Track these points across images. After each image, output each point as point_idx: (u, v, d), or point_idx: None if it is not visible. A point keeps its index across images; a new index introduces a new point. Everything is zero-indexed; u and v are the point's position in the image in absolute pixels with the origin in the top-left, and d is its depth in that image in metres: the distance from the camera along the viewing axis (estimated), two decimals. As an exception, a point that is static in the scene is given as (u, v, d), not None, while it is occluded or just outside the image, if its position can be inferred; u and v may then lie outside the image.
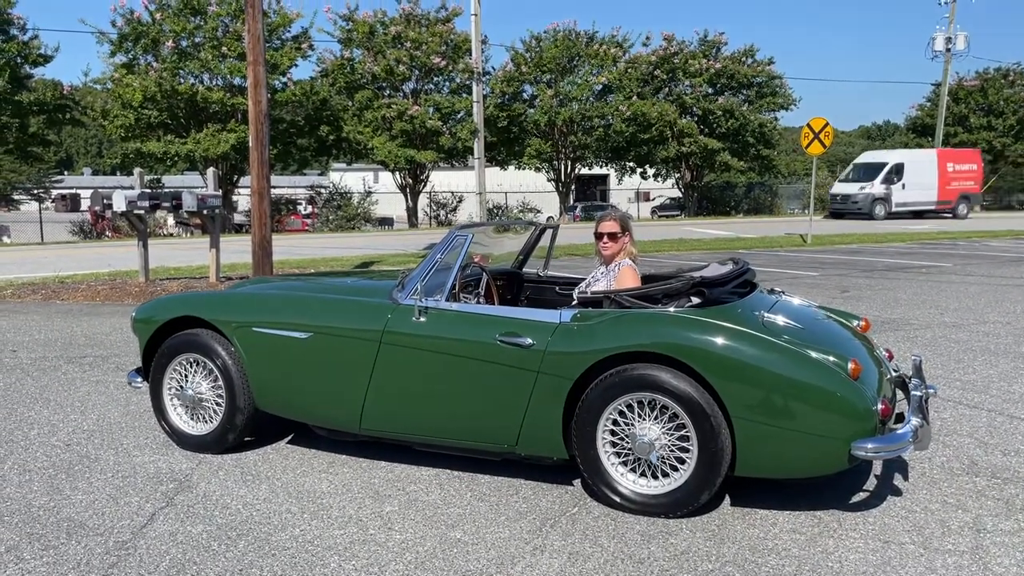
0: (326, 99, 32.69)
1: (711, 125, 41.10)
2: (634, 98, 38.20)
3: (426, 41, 33.31)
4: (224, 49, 29.75)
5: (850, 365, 3.79)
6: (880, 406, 3.76)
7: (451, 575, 3.39)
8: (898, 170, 34.14)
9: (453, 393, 4.33)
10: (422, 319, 4.39)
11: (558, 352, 4.06)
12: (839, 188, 35.78)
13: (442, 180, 43.14)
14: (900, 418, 4.11)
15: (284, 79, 31.12)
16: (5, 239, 24.45)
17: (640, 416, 3.96)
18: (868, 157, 36.84)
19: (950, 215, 34.86)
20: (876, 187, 34.00)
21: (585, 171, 46.31)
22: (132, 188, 12.27)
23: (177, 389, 5.00)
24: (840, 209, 34.66)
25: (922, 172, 34.33)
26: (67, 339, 8.72)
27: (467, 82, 33.58)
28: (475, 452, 4.45)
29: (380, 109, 33.18)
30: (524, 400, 4.14)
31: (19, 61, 30.31)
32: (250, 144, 11.59)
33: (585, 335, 4.05)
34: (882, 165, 34.48)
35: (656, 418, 3.93)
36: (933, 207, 34.78)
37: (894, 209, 34.12)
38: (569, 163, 41.29)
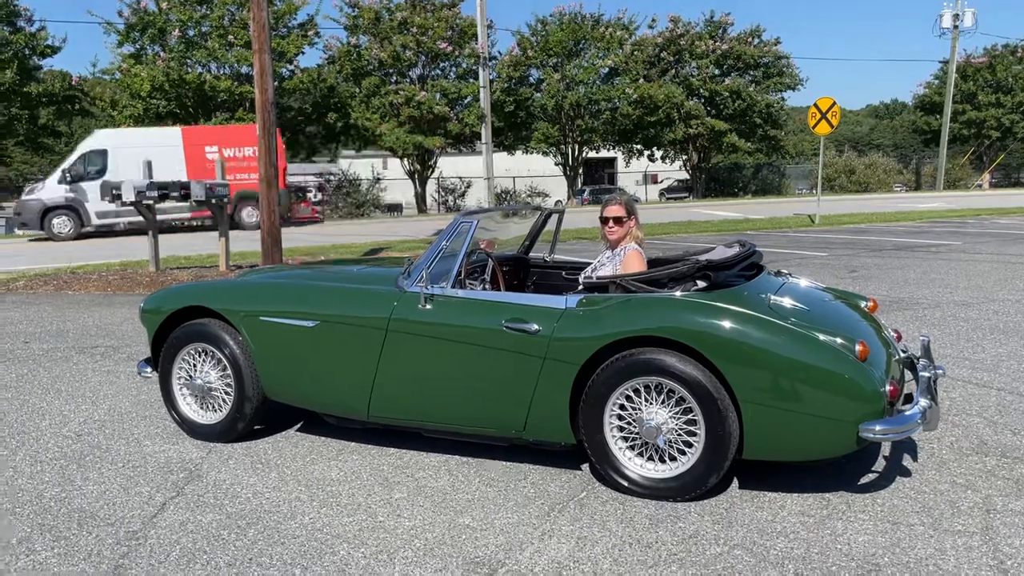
0: (333, 86, 32.66)
1: (718, 106, 40.90)
2: (640, 81, 38.02)
3: (432, 26, 33.20)
4: (231, 38, 29.75)
5: (858, 347, 3.78)
6: (888, 387, 3.75)
7: (460, 561, 3.40)
8: (98, 161, 22.34)
9: (460, 380, 4.33)
10: (428, 306, 4.39)
11: (564, 338, 4.06)
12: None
13: (450, 166, 43.09)
14: (909, 399, 4.10)
15: (291, 67, 31.09)
16: (17, 230, 24.48)
17: (647, 400, 3.95)
18: (90, 143, 23.06)
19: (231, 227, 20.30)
20: (50, 190, 22.20)
21: (592, 155, 46.15)
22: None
23: (186, 379, 5.02)
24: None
25: (151, 163, 20.50)
26: (78, 330, 8.76)
27: (474, 67, 33.52)
28: (483, 438, 4.45)
29: (387, 95, 33.12)
30: (531, 386, 4.14)
31: (27, 53, 30.47)
32: (257, 133, 11.60)
33: (591, 320, 4.05)
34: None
35: (663, 402, 3.93)
36: (185, 216, 22.76)
37: (96, 222, 22.37)
38: (576, 147, 41.14)
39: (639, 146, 43.07)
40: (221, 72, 30.78)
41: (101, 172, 21.85)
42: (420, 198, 37.73)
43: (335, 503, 4.02)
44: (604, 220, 4.94)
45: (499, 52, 37.73)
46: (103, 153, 22.47)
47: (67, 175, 22.21)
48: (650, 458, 4.00)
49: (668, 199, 48.25)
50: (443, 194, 40.16)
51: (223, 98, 30.15)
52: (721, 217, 23.85)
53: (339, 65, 33.99)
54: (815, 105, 20.23)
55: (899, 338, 4.70)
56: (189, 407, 5.05)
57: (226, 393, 4.92)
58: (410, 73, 34.87)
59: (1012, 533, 3.51)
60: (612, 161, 57.98)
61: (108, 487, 4.29)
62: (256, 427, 5.04)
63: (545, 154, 41.52)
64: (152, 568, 3.39)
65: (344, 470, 4.47)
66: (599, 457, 4.07)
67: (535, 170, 46.69)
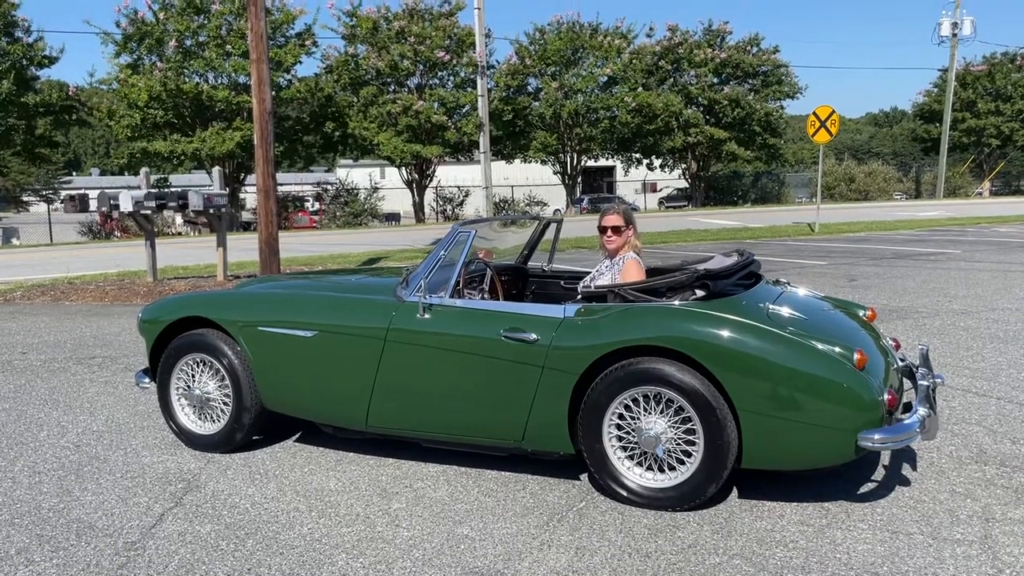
0: (331, 95, 32.69)
1: (717, 115, 40.97)
2: (639, 89, 38.07)
3: (430, 36, 33.26)
4: (228, 47, 29.80)
5: (856, 355, 3.78)
6: (886, 396, 3.75)
7: (458, 571, 3.39)
8: None
9: (458, 390, 4.32)
10: (426, 316, 4.39)
11: (563, 347, 4.05)
12: None
13: (448, 175, 43.10)
14: (908, 408, 4.10)
15: (289, 76, 31.12)
16: (15, 241, 24.58)
17: (646, 410, 3.95)
18: None
19: None
20: None
21: (591, 163, 46.23)
22: (139, 188, 12.30)
23: (184, 389, 5.01)
24: None
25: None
26: (76, 340, 8.75)
27: (472, 76, 33.57)
28: (482, 448, 4.45)
29: (385, 105, 33.18)
30: (529, 396, 4.13)
31: (25, 63, 30.52)
32: (255, 142, 11.61)
33: (589, 330, 4.05)
34: None
35: (662, 412, 3.92)
36: None
37: None
38: (575, 155, 41.17)
39: (638, 155, 43.11)
40: (218, 82, 30.83)
41: None
42: (418, 207, 37.75)
43: (333, 513, 4.02)
44: (602, 229, 4.95)
45: (497, 61, 37.80)
46: None
47: None
48: (649, 467, 4.00)
49: (667, 207, 48.28)
50: (441, 203, 40.21)
51: (220, 108, 30.18)
52: (720, 225, 23.86)
53: (337, 74, 34.06)
54: (814, 113, 20.26)
55: (898, 347, 4.70)
56: (187, 417, 5.04)
57: (224, 403, 4.91)
58: (408, 82, 34.93)
59: (1011, 542, 3.50)
60: (611, 170, 58.10)
61: (106, 498, 4.28)
62: (254, 437, 5.03)
63: (543, 163, 41.53)
64: (150, 580, 3.38)
65: (342, 480, 4.46)
66: (598, 467, 4.06)
67: (533, 179, 46.72)
